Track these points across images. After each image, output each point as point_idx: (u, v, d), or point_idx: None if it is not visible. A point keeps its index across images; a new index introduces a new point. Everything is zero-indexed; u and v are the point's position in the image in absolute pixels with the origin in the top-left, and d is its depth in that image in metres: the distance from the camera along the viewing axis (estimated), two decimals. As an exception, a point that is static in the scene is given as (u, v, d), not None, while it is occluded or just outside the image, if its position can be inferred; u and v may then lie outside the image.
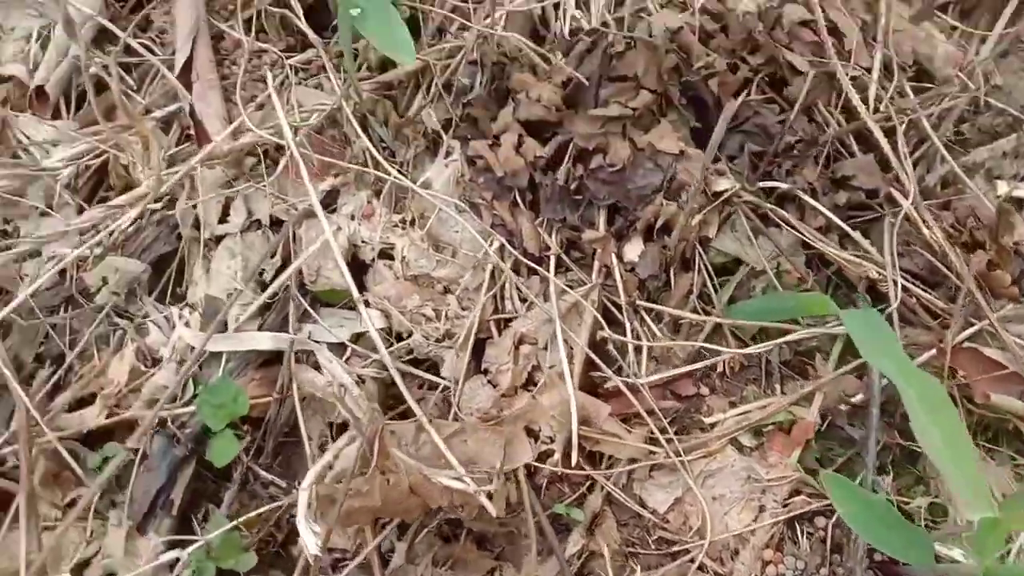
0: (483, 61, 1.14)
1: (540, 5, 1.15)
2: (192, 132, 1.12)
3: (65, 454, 1.03)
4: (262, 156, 1.11)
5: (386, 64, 1.15)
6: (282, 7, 1.20)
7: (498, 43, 1.12)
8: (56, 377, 1.07)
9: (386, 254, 1.10)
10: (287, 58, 1.15)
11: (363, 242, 1.09)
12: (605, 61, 1.04)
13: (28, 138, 1.14)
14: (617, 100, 1.04)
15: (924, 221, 1.08)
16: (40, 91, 1.12)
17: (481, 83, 1.14)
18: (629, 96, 1.05)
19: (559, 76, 1.07)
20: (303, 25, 1.13)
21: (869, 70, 1.10)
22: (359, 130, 1.08)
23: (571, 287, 1.08)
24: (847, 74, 1.03)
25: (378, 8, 1.01)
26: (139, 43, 1.16)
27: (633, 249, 1.10)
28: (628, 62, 1.04)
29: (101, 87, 1.18)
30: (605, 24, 1.12)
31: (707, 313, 1.11)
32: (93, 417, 1.06)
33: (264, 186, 1.06)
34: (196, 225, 1.12)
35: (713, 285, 1.12)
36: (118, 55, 1.14)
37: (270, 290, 1.03)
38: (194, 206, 1.11)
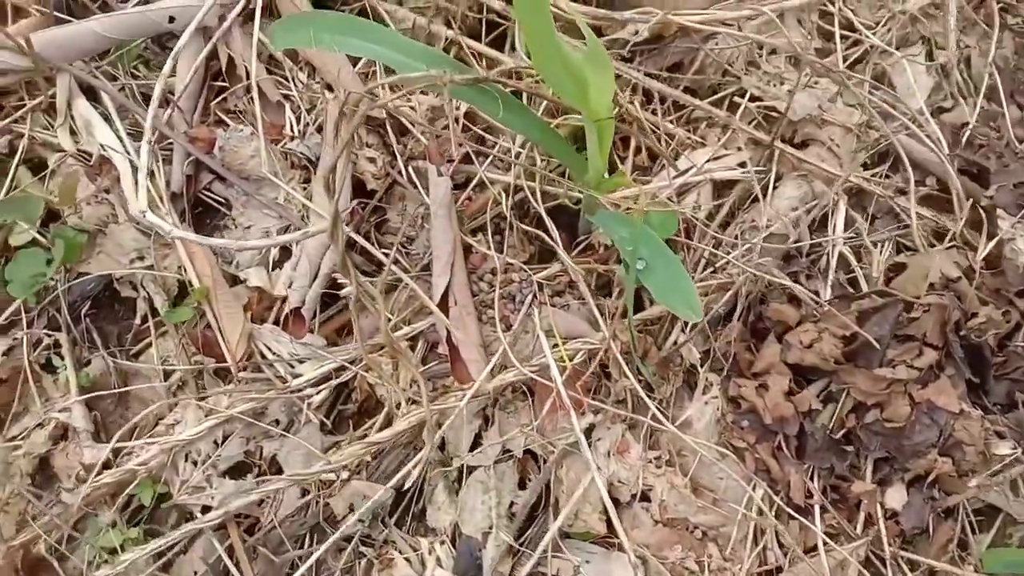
0: (740, 291, 1.10)
1: (802, 243, 1.12)
2: (443, 351, 1.09)
3: None
4: (524, 390, 1.07)
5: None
6: (528, 217, 1.17)
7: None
8: (309, 616, 1.04)
9: (642, 494, 1.07)
10: (533, 272, 1.12)
11: (620, 482, 1.06)
12: (896, 324, 1.01)
13: (271, 351, 1.10)
14: (903, 360, 1.01)
15: None
16: (296, 312, 1.08)
17: (738, 315, 1.11)
18: (914, 355, 1.02)
19: (834, 325, 1.04)
20: (560, 251, 1.10)
21: None
22: (625, 369, 1.05)
23: (831, 534, 1.05)
24: None
25: (664, 262, 0.97)
26: (383, 252, 1.13)
27: (897, 497, 1.07)
28: (918, 325, 1.01)
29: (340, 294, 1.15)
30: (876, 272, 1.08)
31: (962, 559, 1.09)
32: (342, 656, 1.04)
33: (532, 430, 1.03)
34: (441, 446, 1.09)
35: (971, 526, 1.10)
36: (374, 275, 1.11)
37: (539, 549, 1.00)
38: (439, 424, 1.09)
